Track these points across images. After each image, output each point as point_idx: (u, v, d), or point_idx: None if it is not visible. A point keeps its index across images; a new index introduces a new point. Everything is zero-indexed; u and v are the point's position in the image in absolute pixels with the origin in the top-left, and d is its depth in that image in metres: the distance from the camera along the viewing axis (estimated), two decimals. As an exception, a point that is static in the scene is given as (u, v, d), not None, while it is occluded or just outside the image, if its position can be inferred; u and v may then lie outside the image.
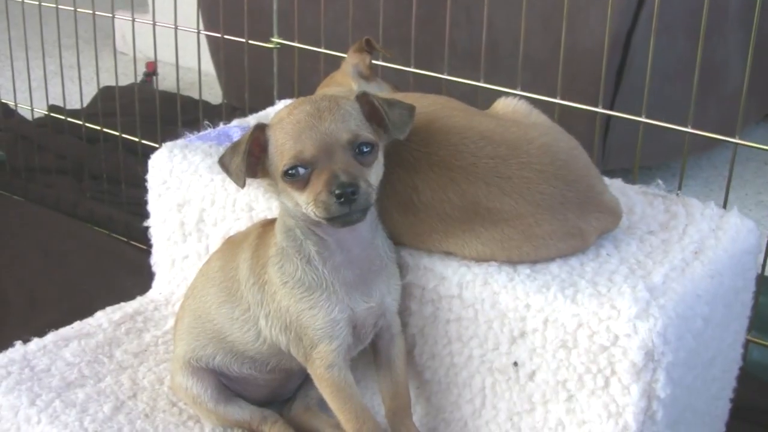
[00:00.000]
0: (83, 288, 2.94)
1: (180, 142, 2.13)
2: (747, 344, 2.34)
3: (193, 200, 2.03)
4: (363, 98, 1.58)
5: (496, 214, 1.61)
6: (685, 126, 2.25)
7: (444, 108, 1.72)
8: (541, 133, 1.68)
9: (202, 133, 2.18)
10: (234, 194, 1.96)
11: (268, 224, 1.73)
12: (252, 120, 2.27)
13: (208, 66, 4.16)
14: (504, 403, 1.70)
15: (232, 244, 1.78)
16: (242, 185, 1.55)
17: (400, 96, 1.80)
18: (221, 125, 2.21)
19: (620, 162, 3.35)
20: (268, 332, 1.67)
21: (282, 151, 1.52)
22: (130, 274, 2.92)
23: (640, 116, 2.30)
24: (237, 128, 2.17)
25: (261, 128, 1.56)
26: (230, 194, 1.96)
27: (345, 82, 2.01)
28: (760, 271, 2.29)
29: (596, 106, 2.35)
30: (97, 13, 3.16)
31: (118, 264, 3.09)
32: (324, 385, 1.64)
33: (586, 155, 1.73)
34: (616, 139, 3.33)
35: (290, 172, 1.51)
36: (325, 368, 1.62)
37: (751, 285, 1.86)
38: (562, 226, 1.65)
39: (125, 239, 3.25)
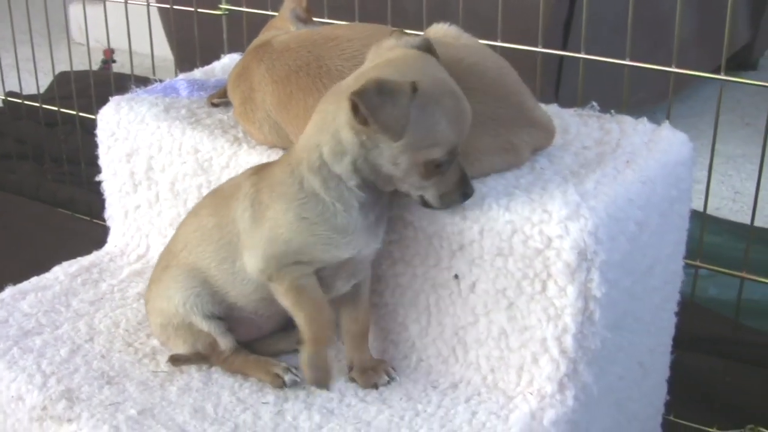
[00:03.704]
0: (50, 267, 2.96)
1: (127, 95, 2.17)
2: (696, 273, 2.41)
3: (141, 149, 2.07)
4: None
5: None
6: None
7: (377, 33, 1.76)
8: (469, 53, 1.73)
9: (149, 87, 2.22)
10: (180, 139, 2.00)
11: (261, 171, 1.69)
12: (198, 74, 2.31)
13: (167, 51, 4.20)
14: (449, 318, 1.74)
15: (222, 198, 1.75)
16: (400, 137, 1.48)
17: (331, 27, 1.85)
18: (167, 80, 2.25)
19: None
20: (249, 262, 1.65)
21: (438, 139, 1.51)
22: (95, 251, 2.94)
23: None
24: (183, 81, 2.22)
25: (415, 89, 1.47)
26: (176, 139, 2.01)
27: (284, 26, 2.05)
28: (703, 209, 2.37)
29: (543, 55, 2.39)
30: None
31: (83, 243, 3.09)
32: (292, 293, 1.64)
33: (515, 74, 1.78)
34: (567, 92, 3.39)
35: (440, 164, 1.52)
36: (296, 278, 1.63)
37: (687, 197, 1.91)
38: (494, 142, 1.70)
39: (88, 218, 3.28)
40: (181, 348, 1.81)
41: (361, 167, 1.55)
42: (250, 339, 1.83)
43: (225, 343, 1.78)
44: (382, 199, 1.63)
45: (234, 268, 1.71)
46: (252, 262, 1.66)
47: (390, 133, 1.48)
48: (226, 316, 1.78)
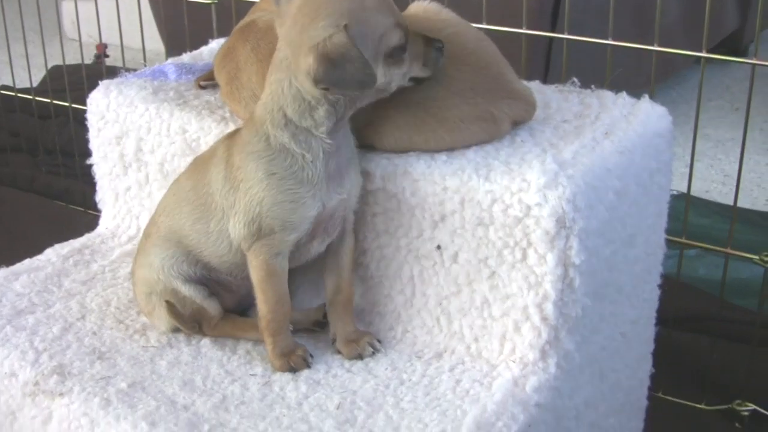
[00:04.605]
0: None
1: (116, 80, 2.21)
2: (682, 251, 2.44)
3: (130, 131, 2.10)
4: None
5: (408, 97, 1.69)
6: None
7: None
8: (449, 25, 1.77)
9: (138, 71, 2.25)
10: (168, 120, 2.03)
11: (233, 135, 1.76)
12: (186, 58, 2.34)
13: (159, 45, 4.23)
14: (432, 288, 1.77)
15: (200, 163, 1.82)
16: (373, 83, 1.57)
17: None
18: (156, 65, 2.28)
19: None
20: (233, 231, 1.71)
21: (384, 31, 1.59)
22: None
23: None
24: (171, 65, 2.25)
25: (345, 28, 1.55)
26: (164, 120, 2.04)
27: (269, 8, 2.08)
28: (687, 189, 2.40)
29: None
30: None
31: (78, 233, 3.13)
32: (262, 271, 1.70)
33: (495, 47, 1.81)
34: (556, 77, 3.41)
35: (401, 45, 1.60)
36: (272, 255, 1.69)
37: (667, 169, 1.94)
38: (473, 110, 1.73)
39: (83, 209, 3.31)
40: (165, 318, 1.84)
41: (343, 105, 1.62)
42: (228, 303, 1.86)
43: (213, 308, 1.82)
44: (343, 149, 1.68)
45: (208, 228, 1.76)
46: (236, 229, 1.71)
47: (366, 88, 1.58)
48: (205, 278, 1.82)
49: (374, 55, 1.58)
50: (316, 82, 1.55)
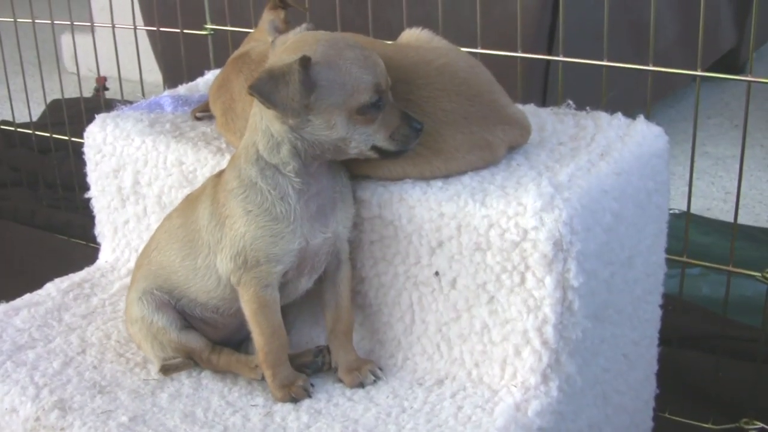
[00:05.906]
0: (46, 291, 2.99)
1: (112, 113, 2.21)
2: (683, 269, 2.43)
3: (127, 164, 2.10)
4: None
5: None
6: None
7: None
8: (439, 55, 1.77)
9: (134, 104, 2.26)
10: (165, 152, 2.04)
11: (220, 173, 1.79)
12: (182, 90, 2.35)
13: (158, 77, 4.24)
14: (432, 315, 1.77)
15: (191, 200, 1.84)
16: (297, 115, 1.58)
17: (304, 35, 1.88)
18: (153, 97, 2.29)
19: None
20: (221, 266, 1.73)
21: (357, 84, 1.59)
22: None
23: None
24: (168, 98, 2.25)
25: (307, 61, 1.57)
26: (161, 153, 2.04)
27: (263, 38, 2.09)
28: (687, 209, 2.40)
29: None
30: (36, 21, 3.23)
31: (79, 266, 3.14)
32: (254, 303, 1.71)
33: (488, 73, 1.81)
34: (554, 99, 3.41)
35: (372, 104, 1.60)
36: (261, 287, 1.70)
37: (665, 189, 1.93)
38: (468, 139, 1.73)
39: (84, 242, 3.31)
40: (151, 351, 1.84)
41: (303, 149, 1.64)
42: (213, 338, 1.86)
43: (193, 341, 1.82)
44: (326, 191, 1.69)
45: (196, 264, 1.77)
46: (223, 264, 1.72)
47: (289, 113, 1.58)
48: (185, 314, 1.83)
49: (341, 104, 1.59)
50: (249, 86, 1.57)
